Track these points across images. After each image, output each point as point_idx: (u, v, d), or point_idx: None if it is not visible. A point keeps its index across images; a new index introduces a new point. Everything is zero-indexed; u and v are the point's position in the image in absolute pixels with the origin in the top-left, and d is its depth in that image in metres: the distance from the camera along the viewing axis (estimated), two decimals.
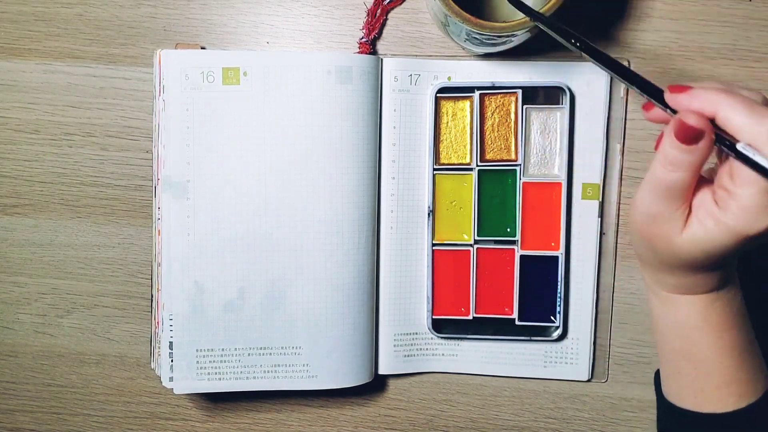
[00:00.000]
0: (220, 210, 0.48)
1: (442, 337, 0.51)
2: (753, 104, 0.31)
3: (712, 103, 0.32)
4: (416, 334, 0.51)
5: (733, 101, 0.31)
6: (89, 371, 0.53)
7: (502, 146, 0.49)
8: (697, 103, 0.32)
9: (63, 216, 0.52)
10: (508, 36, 0.41)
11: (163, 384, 0.49)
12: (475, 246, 0.50)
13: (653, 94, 0.34)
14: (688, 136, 0.32)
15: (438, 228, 0.50)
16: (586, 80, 0.48)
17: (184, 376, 0.49)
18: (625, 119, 0.49)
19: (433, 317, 0.50)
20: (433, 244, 0.50)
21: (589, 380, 0.51)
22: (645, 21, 0.48)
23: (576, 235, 0.50)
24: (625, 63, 0.48)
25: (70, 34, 0.50)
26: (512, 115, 0.49)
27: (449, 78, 0.49)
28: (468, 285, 0.50)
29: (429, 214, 0.50)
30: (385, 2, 0.49)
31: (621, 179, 0.49)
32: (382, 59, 0.48)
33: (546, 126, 0.49)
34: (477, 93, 0.48)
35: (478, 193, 0.49)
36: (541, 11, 0.39)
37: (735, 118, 0.31)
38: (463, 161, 0.50)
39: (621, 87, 0.48)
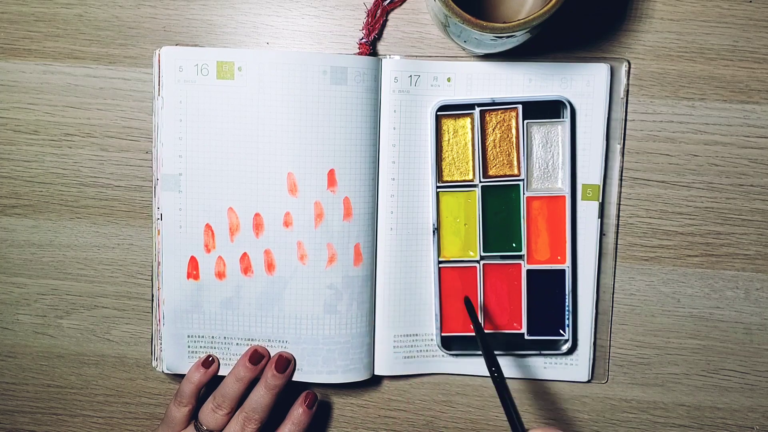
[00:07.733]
0: (211, 204, 0.48)
1: (452, 355, 0.50)
2: None
3: None
4: (416, 335, 0.51)
5: None
6: (89, 372, 0.53)
7: (505, 162, 0.49)
8: None
9: (63, 217, 0.52)
10: (508, 36, 0.41)
11: (164, 371, 0.49)
12: (482, 262, 0.50)
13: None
14: None
15: (443, 245, 0.50)
16: (586, 80, 0.48)
17: (174, 360, 0.50)
18: (625, 120, 0.49)
19: (443, 335, 0.50)
20: (440, 262, 0.50)
21: (589, 381, 0.51)
22: (645, 21, 0.48)
23: (576, 237, 0.49)
24: (625, 64, 0.48)
25: (69, 34, 0.50)
26: (513, 131, 0.49)
27: (449, 79, 0.49)
28: (476, 301, 0.50)
29: (434, 232, 0.49)
30: (385, 3, 0.49)
31: (621, 180, 0.49)
32: (381, 60, 0.48)
33: (547, 140, 0.49)
34: (477, 110, 0.48)
35: (483, 210, 0.49)
36: (541, 11, 0.39)
37: None
38: (466, 178, 0.49)
39: (621, 88, 0.48)
